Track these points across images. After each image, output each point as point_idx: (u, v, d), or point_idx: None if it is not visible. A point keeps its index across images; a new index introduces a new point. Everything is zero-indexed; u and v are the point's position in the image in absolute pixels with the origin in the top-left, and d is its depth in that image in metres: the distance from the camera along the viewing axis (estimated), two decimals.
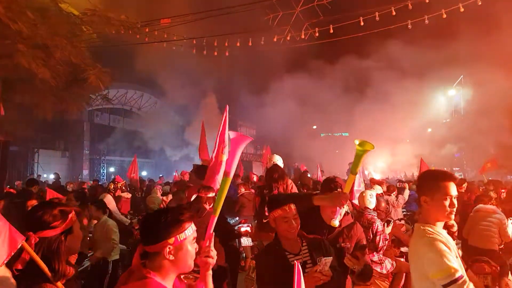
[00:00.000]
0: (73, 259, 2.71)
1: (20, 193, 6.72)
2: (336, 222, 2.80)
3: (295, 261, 2.00)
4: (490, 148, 20.29)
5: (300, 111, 25.86)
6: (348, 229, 3.10)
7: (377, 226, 4.64)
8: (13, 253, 1.74)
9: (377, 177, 15.78)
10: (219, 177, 4.53)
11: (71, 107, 10.55)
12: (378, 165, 23.50)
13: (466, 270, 2.12)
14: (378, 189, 7.11)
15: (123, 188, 9.53)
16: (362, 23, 10.51)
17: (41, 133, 20.15)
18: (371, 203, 4.96)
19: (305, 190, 7.78)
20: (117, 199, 8.42)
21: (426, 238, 2.09)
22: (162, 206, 7.87)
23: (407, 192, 9.46)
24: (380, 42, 23.25)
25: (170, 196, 8.42)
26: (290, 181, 5.01)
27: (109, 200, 7.43)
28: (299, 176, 10.97)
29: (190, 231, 1.65)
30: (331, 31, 10.85)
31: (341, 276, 2.69)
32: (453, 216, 2.15)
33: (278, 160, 5.46)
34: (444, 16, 10.63)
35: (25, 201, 5.12)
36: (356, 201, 5.27)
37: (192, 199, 4.90)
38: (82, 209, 5.35)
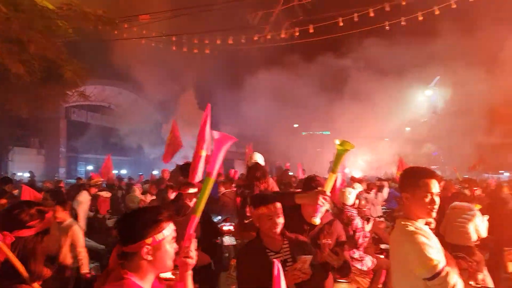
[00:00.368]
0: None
1: None
2: (317, 220, 2.82)
3: (274, 259, 1.99)
4: (467, 147, 20.89)
5: (282, 110, 25.97)
6: (329, 226, 3.13)
7: (357, 223, 4.72)
8: None
9: (358, 175, 16.00)
10: (199, 172, 4.50)
11: (47, 104, 10.25)
12: (358, 163, 23.83)
13: None
14: (358, 187, 7.20)
15: (100, 186, 9.22)
16: (341, 24, 10.68)
17: (16, 130, 19.53)
18: (350, 200, 5.03)
19: (286, 189, 7.79)
20: (94, 198, 8.16)
21: (406, 232, 2.09)
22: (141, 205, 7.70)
23: (386, 190, 9.62)
24: (359, 42, 23.72)
25: (149, 196, 8.26)
26: (271, 180, 5.00)
27: (84, 199, 7.19)
28: (280, 175, 10.99)
29: (168, 230, 1.61)
30: (311, 30, 10.96)
31: (322, 274, 2.70)
32: (434, 214, 2.13)
33: (259, 158, 5.43)
34: (420, 18, 10.92)
35: None
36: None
37: (172, 197, 4.83)
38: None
